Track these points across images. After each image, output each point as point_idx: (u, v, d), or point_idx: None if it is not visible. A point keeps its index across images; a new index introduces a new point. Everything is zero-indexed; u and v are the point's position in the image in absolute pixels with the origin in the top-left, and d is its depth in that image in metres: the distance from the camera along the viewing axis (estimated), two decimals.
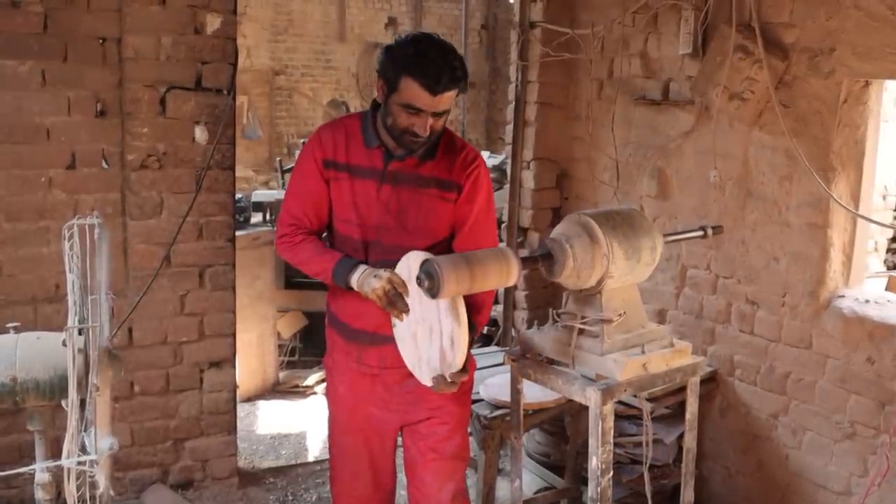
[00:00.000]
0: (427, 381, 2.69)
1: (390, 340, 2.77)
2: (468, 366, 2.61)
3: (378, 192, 2.81)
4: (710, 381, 4.21)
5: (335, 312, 3.01)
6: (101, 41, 3.81)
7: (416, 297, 2.59)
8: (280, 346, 6.51)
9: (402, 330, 2.72)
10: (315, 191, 2.87)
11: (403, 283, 2.60)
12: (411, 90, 2.64)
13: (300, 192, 2.91)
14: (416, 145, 2.75)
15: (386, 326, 2.78)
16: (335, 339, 3.03)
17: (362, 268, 2.71)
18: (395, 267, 2.65)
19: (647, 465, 2.99)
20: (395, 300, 2.60)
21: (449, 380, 2.60)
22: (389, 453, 3.10)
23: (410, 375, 2.77)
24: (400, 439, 3.09)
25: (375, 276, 2.62)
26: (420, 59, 2.62)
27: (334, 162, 2.84)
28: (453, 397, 2.89)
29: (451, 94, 2.68)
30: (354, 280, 2.70)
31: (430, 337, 2.63)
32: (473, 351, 2.82)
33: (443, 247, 2.85)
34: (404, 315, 2.63)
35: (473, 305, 2.66)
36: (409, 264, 2.58)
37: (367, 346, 2.90)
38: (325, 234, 2.98)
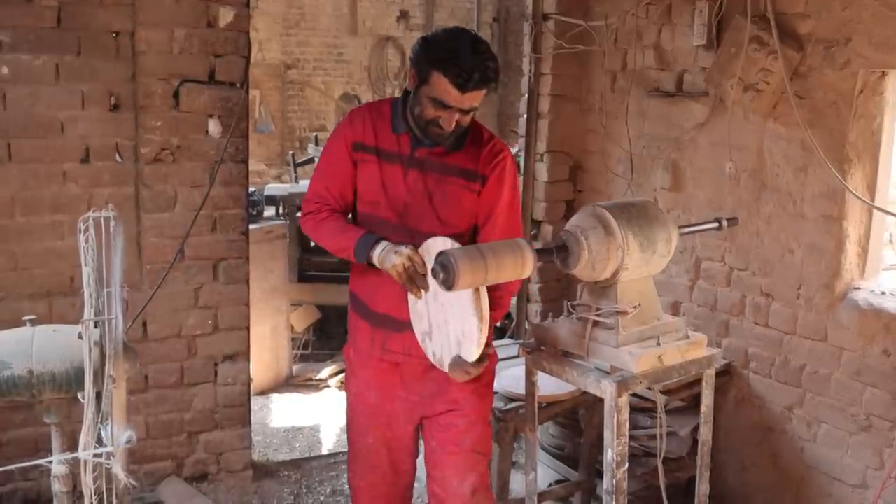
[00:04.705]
0: (444, 368, 2.69)
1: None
2: (490, 359, 2.60)
3: (405, 177, 2.83)
4: (725, 374, 4.19)
5: (359, 296, 2.98)
6: (114, 35, 3.82)
7: (434, 283, 2.57)
8: (293, 340, 6.53)
9: (420, 311, 2.71)
10: (341, 171, 2.89)
11: (423, 263, 2.59)
12: (441, 85, 2.65)
13: (327, 172, 2.94)
14: (440, 138, 2.77)
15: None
16: (359, 325, 3.00)
17: (384, 243, 2.68)
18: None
19: (662, 457, 2.98)
20: (415, 277, 2.59)
21: (465, 369, 2.60)
22: (409, 447, 3.07)
23: (432, 367, 2.77)
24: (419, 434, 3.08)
25: (396, 253, 2.61)
26: (453, 55, 2.63)
27: (363, 144, 2.85)
28: (474, 390, 2.89)
29: (480, 92, 2.69)
30: (376, 255, 2.68)
31: (447, 325, 2.62)
32: None
33: (466, 238, 2.83)
34: (422, 292, 2.62)
35: (491, 303, 2.63)
36: (430, 249, 2.58)
37: (391, 331, 2.88)
38: (349, 216, 2.97)
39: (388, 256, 2.63)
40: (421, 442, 3.09)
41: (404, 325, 2.81)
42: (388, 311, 2.87)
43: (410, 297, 2.73)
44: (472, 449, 2.96)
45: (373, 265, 2.71)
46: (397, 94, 14.56)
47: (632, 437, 3.50)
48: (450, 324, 2.62)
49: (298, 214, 6.56)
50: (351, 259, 2.80)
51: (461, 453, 2.95)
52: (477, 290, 2.49)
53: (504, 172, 2.88)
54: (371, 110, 2.92)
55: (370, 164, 2.85)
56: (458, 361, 2.62)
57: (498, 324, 5.39)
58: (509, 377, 3.91)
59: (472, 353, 2.57)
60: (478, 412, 2.96)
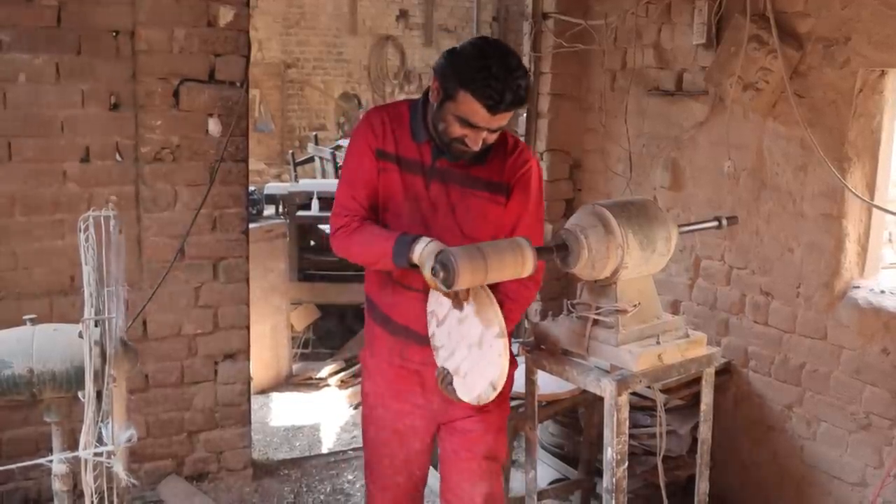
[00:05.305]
0: (437, 357, 2.69)
1: None
2: (510, 365, 2.57)
3: (427, 188, 2.71)
4: (724, 373, 4.19)
5: (377, 303, 2.89)
6: (114, 34, 3.82)
7: (468, 308, 2.55)
8: (293, 339, 6.52)
9: (442, 301, 2.65)
10: (369, 179, 2.73)
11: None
12: (469, 105, 2.51)
13: (353, 181, 2.77)
14: (464, 155, 2.65)
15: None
16: (377, 334, 2.91)
17: (425, 240, 2.52)
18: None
19: (661, 456, 2.99)
20: (450, 294, 2.47)
21: (451, 397, 2.64)
22: (425, 453, 3.00)
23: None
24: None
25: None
26: (483, 74, 2.47)
27: (384, 151, 2.72)
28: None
29: (510, 112, 2.55)
30: (416, 253, 2.51)
31: (459, 346, 2.61)
32: None
33: None
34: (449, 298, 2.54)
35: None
36: None
37: (412, 342, 2.80)
38: None
39: (430, 262, 2.44)
40: (435, 446, 3.06)
41: (424, 339, 2.74)
42: (409, 323, 2.79)
43: (431, 308, 2.69)
44: (485, 455, 2.90)
45: (413, 265, 2.55)
46: (397, 93, 14.51)
47: (631, 436, 3.51)
48: (459, 350, 2.61)
49: (298, 213, 6.59)
50: (389, 267, 2.66)
51: (475, 459, 2.89)
52: (498, 393, 2.51)
53: (529, 183, 2.77)
54: (390, 115, 2.77)
55: (392, 173, 2.72)
56: (449, 384, 2.64)
57: None
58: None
59: (464, 398, 2.61)
60: (493, 418, 2.90)
